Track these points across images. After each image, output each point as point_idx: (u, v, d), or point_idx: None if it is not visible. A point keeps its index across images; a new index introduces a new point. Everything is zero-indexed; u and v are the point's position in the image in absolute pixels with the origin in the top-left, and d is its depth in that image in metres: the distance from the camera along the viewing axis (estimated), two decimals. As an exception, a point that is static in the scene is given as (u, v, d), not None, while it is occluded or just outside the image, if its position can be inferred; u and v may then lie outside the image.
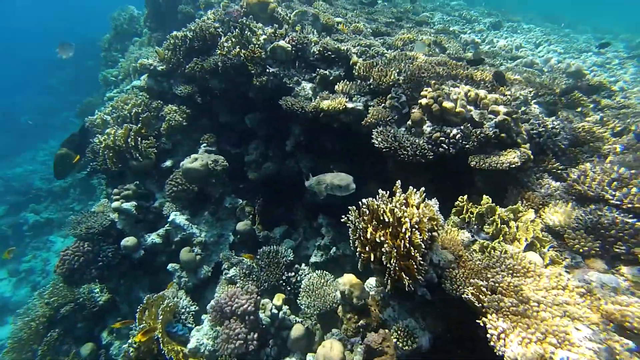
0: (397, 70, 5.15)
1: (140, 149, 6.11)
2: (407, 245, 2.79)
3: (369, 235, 3.00)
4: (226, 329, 4.30)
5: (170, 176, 6.38)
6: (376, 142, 4.45)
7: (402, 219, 2.87)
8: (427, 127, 4.45)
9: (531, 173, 4.15)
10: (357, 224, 3.13)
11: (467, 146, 4.11)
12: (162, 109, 6.73)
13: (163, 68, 6.90)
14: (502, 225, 3.41)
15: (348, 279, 3.69)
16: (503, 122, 4.04)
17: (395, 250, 2.86)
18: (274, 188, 6.98)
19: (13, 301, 12.71)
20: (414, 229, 2.85)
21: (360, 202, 3.30)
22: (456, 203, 3.92)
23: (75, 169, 5.46)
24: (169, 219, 6.10)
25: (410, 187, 3.27)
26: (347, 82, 5.28)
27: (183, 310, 5.18)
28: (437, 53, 7.09)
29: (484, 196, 3.70)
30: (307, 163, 6.46)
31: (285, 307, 4.80)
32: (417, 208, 3.03)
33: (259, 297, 4.80)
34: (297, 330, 4.57)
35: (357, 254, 3.16)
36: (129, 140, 6.05)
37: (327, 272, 5.15)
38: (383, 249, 2.90)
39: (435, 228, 3.03)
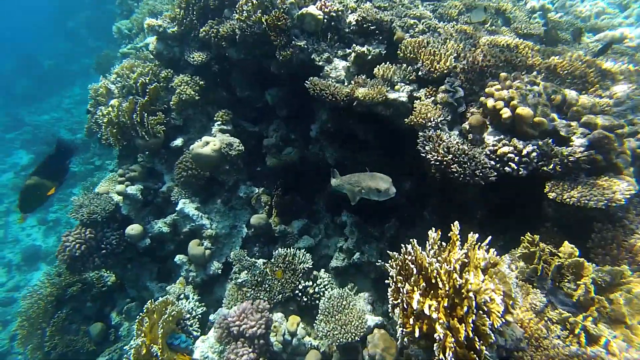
0: (455, 54, 4.08)
1: (146, 126, 5.40)
2: (471, 333, 2.05)
3: (414, 304, 2.26)
4: (232, 354, 3.81)
5: (179, 158, 5.70)
6: (422, 151, 3.56)
7: (465, 292, 2.09)
8: (489, 137, 3.50)
9: (632, 207, 3.17)
10: (398, 282, 2.38)
11: (545, 168, 3.17)
12: (172, 80, 5.89)
13: (174, 30, 5.95)
14: (599, 297, 2.55)
15: (380, 339, 3.02)
16: (601, 140, 3.04)
17: (452, 334, 2.12)
18: (294, 176, 6.23)
19: (44, 249, 13.11)
20: (481, 311, 2.08)
21: (403, 249, 2.53)
22: (523, 245, 3.08)
23: (48, 200, 4.75)
24: (177, 208, 5.52)
25: (472, 236, 2.46)
26: (389, 66, 4.25)
27: (188, 316, 4.73)
28: (498, 25, 5.80)
29: (566, 244, 2.83)
30: (334, 153, 5.61)
31: (300, 331, 4.24)
32: (484, 272, 2.23)
33: (271, 316, 4.26)
34: (313, 357, 4.04)
35: (397, 323, 2.45)
36: (135, 116, 5.33)
37: (349, 291, 4.53)
38: (434, 328, 2.17)
39: (510, 308, 2.25)
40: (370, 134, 5.17)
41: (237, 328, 3.93)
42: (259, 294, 4.57)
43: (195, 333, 4.63)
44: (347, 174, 6.11)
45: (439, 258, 2.37)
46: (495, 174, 3.25)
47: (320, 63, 4.76)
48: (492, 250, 2.42)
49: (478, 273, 2.21)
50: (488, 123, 3.60)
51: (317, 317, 4.20)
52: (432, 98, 4.03)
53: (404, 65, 4.27)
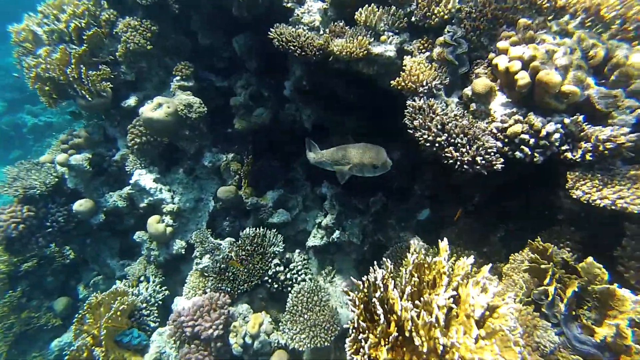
0: (460, -6, 3.08)
1: (86, 83, 4.47)
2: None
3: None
4: (184, 359, 3.31)
5: (133, 121, 4.85)
6: (410, 126, 2.74)
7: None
8: (498, 108, 2.66)
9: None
10: (360, 329, 1.72)
11: (569, 155, 2.40)
12: (116, 24, 4.83)
13: (114, -42, 4.78)
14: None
15: None
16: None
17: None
18: (268, 140, 5.43)
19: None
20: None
21: (370, 277, 1.86)
22: (530, 252, 2.39)
23: None
24: (132, 180, 4.78)
25: (464, 262, 1.76)
26: (374, 9, 3.26)
27: (144, 305, 4.21)
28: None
29: (591, 263, 2.14)
30: (311, 115, 4.77)
31: (266, 326, 3.72)
32: (480, 325, 1.57)
33: (233, 311, 3.73)
34: (278, 358, 3.57)
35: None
36: (69, 70, 4.38)
37: (322, 283, 3.96)
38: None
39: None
40: (352, 93, 4.30)
41: (190, 329, 3.40)
42: (221, 284, 4.00)
43: (152, 324, 4.15)
44: (329, 139, 5.35)
45: (418, 300, 1.69)
46: (502, 160, 2.47)
47: (290, 4, 3.74)
48: (493, 282, 1.73)
49: (470, 327, 1.55)
50: (497, 89, 2.74)
51: (283, 316, 3.67)
52: (427, 53, 3.11)
53: (393, 8, 3.27)
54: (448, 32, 2.96)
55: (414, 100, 2.83)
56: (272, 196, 5.18)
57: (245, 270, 4.14)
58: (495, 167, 2.44)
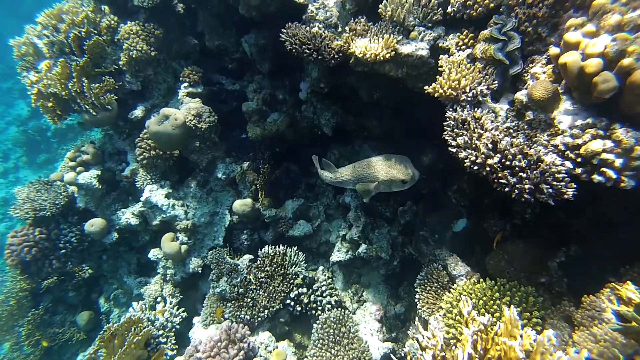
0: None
1: (89, 97, 4.19)
2: None
3: None
4: (202, 402, 3.03)
5: (141, 133, 4.56)
6: (452, 144, 2.27)
7: None
8: (565, 117, 2.14)
9: None
10: None
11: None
12: (118, 30, 4.50)
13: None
14: None
15: None
16: None
17: None
18: (286, 146, 5.04)
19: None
20: None
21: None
22: (613, 301, 1.91)
23: None
24: (142, 197, 4.51)
25: (545, 339, 1.32)
26: (403, 0, 2.74)
27: (161, 332, 3.97)
28: None
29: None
30: (330, 119, 4.33)
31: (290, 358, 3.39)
32: None
33: (253, 341, 3.42)
34: (303, 395, 3.24)
35: None
36: (71, 85, 4.10)
37: (349, 312, 3.58)
38: None
39: None
40: (377, 93, 3.82)
41: (207, 367, 3.11)
42: (240, 311, 3.69)
43: (169, 352, 3.91)
44: (349, 143, 4.90)
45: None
46: (575, 187, 1.98)
47: (302, 0, 3.25)
48: None
49: None
50: (562, 92, 2.22)
51: (308, 351, 3.33)
52: (468, 51, 2.59)
53: (426, -3, 2.75)
54: (495, 23, 2.43)
55: (455, 111, 2.34)
56: (291, 206, 4.81)
57: (266, 294, 3.82)
58: (566, 197, 1.95)
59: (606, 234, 2.61)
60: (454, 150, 2.27)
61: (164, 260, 4.66)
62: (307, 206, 4.95)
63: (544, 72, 2.35)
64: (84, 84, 4.14)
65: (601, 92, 1.87)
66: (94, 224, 4.47)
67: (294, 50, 3.02)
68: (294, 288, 3.91)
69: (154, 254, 4.69)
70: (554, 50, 2.23)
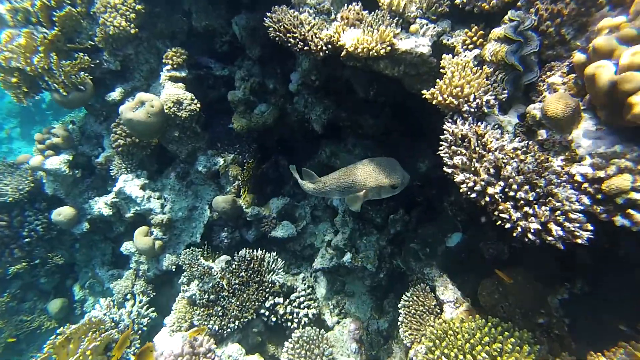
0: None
1: (58, 74, 3.81)
2: None
3: None
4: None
5: (117, 118, 4.20)
6: (448, 163, 1.91)
7: None
8: (585, 140, 1.77)
9: None
10: None
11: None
12: (95, 1, 4.08)
13: None
14: None
15: None
16: None
17: None
18: (275, 137, 4.69)
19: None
20: None
21: None
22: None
23: None
24: (115, 187, 4.19)
25: None
26: (406, -15, 2.34)
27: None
28: None
29: None
30: (322, 115, 3.96)
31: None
32: None
33: (221, 355, 3.13)
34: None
35: None
36: (36, 59, 3.72)
37: (324, 334, 3.27)
38: None
39: None
40: (374, 89, 3.44)
41: (165, 384, 2.84)
42: (208, 321, 3.40)
43: (132, 358, 3.64)
44: (342, 141, 4.52)
45: None
46: (592, 229, 1.62)
47: (291, -22, 2.84)
48: None
49: None
50: (584, 108, 1.84)
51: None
52: (476, 51, 2.20)
53: (432, -16, 2.34)
54: (511, 20, 2.03)
55: (455, 123, 1.97)
56: (276, 205, 4.48)
57: (238, 302, 3.52)
58: (579, 241, 1.60)
59: (620, 272, 2.26)
60: (449, 170, 1.90)
61: (137, 254, 4.37)
62: (293, 205, 4.63)
63: (564, 83, 1.96)
64: (52, 60, 3.76)
65: (638, 117, 1.50)
66: (61, 213, 4.16)
67: (277, 39, 2.63)
68: (270, 297, 3.61)
69: (126, 247, 4.40)
70: (579, 57, 1.84)
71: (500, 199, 1.72)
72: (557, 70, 2.01)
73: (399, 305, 3.20)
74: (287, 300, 3.71)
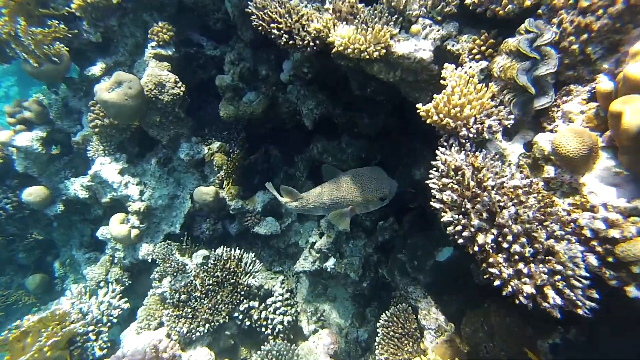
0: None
1: (27, 43, 3.50)
2: None
3: None
4: None
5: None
6: (436, 198, 1.64)
7: None
8: (601, 187, 1.49)
9: None
10: None
11: None
12: (72, -35, 3.71)
13: None
14: None
15: None
16: None
17: None
18: (267, 126, 4.39)
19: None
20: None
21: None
22: None
23: None
24: (91, 170, 3.94)
25: None
26: (409, -23, 1.99)
27: (92, 327, 3.53)
28: None
29: None
30: (314, 109, 3.65)
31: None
32: None
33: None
34: None
35: None
36: (0, 23, 3.40)
37: (295, 348, 3.09)
38: None
39: None
40: (370, 87, 3.12)
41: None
42: (177, 322, 3.23)
43: (98, 352, 3.49)
44: (336, 138, 4.22)
45: None
46: (598, 298, 1.37)
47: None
48: None
49: None
50: (602, 145, 1.55)
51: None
52: (484, 63, 1.88)
53: (440, -22, 1.99)
54: (527, 31, 1.70)
55: (450, 149, 1.68)
56: (262, 199, 4.24)
57: (210, 304, 3.33)
58: (579, 311, 1.35)
59: (620, 326, 2.02)
60: (436, 206, 1.64)
61: (113, 241, 4.17)
62: (279, 201, 4.38)
63: (582, 112, 1.66)
64: (19, 26, 3.42)
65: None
66: (32, 193, 3.94)
67: (260, 28, 2.30)
68: (245, 300, 3.42)
69: (102, 232, 4.21)
70: (604, 85, 1.53)
71: (491, 250, 1.46)
72: (576, 95, 1.70)
73: (377, 325, 3.00)
74: (263, 304, 3.52)
